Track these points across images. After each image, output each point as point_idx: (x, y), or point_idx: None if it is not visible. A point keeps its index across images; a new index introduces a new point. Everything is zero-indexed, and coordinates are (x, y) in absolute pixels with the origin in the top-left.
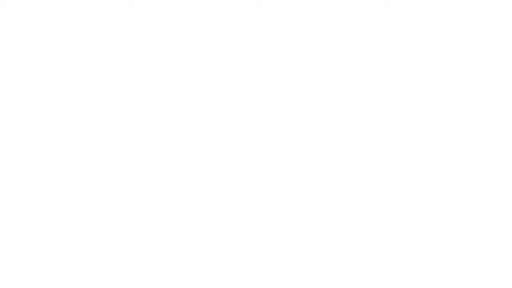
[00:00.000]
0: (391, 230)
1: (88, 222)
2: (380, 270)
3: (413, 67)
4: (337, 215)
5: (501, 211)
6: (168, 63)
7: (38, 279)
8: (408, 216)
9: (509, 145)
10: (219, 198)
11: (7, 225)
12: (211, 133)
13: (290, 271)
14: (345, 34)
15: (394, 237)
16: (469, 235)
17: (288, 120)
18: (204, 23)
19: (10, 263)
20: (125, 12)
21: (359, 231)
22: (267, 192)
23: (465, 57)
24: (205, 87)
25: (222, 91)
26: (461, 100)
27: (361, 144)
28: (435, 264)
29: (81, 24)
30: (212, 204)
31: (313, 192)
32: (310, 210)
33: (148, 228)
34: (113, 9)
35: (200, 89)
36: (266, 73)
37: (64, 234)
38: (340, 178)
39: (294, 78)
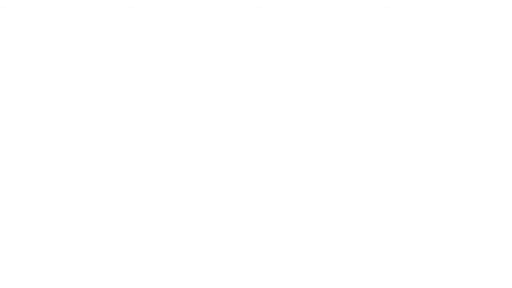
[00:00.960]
0: (391, 230)
1: (87, 222)
2: (380, 270)
3: (413, 68)
4: (337, 215)
5: (501, 211)
6: (168, 63)
7: (38, 279)
8: (408, 216)
9: (509, 145)
10: (219, 198)
11: (7, 225)
12: (211, 133)
13: (290, 271)
14: (345, 34)
15: (394, 237)
16: (469, 235)
17: (289, 120)
18: (204, 23)
19: (10, 263)
20: (125, 12)
21: (359, 231)
22: (266, 192)
23: (465, 57)
24: (205, 87)
25: (222, 92)
26: (461, 101)
27: (361, 144)
28: (435, 264)
29: (81, 24)
30: (212, 204)
31: (313, 192)
32: (310, 210)
33: (148, 228)
34: (113, 9)
35: (200, 89)
36: (266, 73)
37: (64, 234)
38: (340, 177)
39: (294, 79)
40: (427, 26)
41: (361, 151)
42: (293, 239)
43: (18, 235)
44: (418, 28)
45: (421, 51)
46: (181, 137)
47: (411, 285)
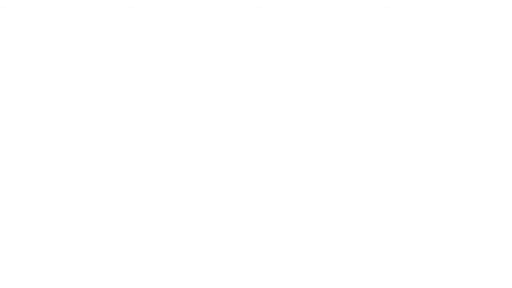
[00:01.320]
0: (391, 230)
1: (87, 222)
2: (380, 270)
3: (413, 68)
4: (337, 215)
5: (501, 211)
6: (168, 63)
7: (38, 279)
8: (408, 216)
9: (509, 145)
10: (218, 199)
11: (7, 225)
12: (211, 133)
13: (289, 271)
14: (345, 34)
15: (394, 237)
16: (469, 235)
17: (289, 120)
18: (204, 23)
19: (10, 263)
20: (125, 12)
21: (359, 232)
22: (266, 193)
23: (465, 58)
24: (205, 87)
25: (222, 92)
26: (461, 101)
27: (361, 144)
28: (435, 264)
29: (81, 24)
30: (212, 205)
31: (313, 193)
32: (310, 210)
33: (148, 228)
34: (113, 9)
35: (200, 90)
36: (266, 73)
37: (64, 234)
38: (339, 178)
39: (294, 79)
40: (427, 26)
41: (361, 151)
42: (292, 239)
43: (18, 235)
44: (418, 28)
45: (421, 51)
46: (181, 137)
47: (411, 285)
